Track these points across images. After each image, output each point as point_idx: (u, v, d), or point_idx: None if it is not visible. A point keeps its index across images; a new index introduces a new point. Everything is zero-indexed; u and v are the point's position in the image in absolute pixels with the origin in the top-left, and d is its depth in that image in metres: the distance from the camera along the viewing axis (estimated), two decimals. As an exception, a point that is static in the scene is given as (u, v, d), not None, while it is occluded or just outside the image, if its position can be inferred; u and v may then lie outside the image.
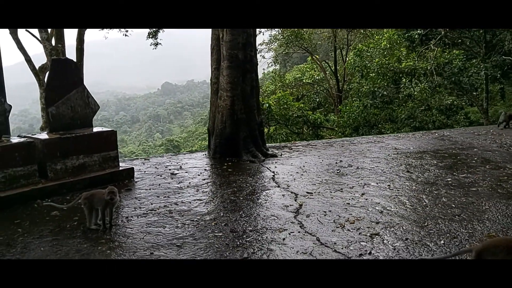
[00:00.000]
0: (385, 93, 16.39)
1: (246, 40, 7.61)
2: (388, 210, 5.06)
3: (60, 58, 6.26)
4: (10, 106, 5.72)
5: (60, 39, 14.24)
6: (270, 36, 24.43)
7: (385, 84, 16.88)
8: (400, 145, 9.02)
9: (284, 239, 4.26)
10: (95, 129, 6.45)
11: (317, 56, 25.68)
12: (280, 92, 23.40)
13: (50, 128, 6.14)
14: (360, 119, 17.04)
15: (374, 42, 18.51)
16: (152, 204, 5.38)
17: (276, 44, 24.97)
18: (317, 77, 25.15)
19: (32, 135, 5.97)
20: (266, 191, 5.88)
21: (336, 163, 7.50)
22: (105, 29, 19.89)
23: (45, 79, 12.87)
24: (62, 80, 6.14)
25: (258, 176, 6.64)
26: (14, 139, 5.61)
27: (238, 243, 4.18)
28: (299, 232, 4.43)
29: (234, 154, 7.64)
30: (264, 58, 25.43)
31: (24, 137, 5.85)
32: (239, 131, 7.70)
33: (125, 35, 20.66)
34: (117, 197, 4.54)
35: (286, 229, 4.50)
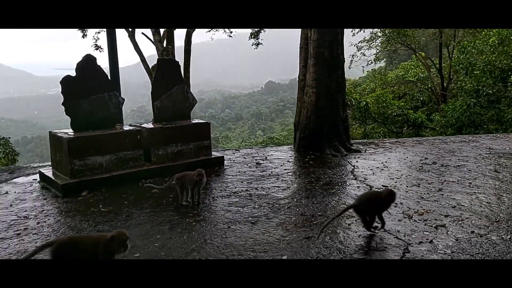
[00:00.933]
0: (490, 91, 15.30)
1: (333, 39, 7.91)
2: (461, 205, 5.07)
3: (165, 58, 7.17)
4: (123, 99, 6.76)
5: (171, 41, 15.74)
6: (371, 33, 24.02)
7: (491, 82, 15.74)
8: (495, 145, 8.60)
9: (349, 224, 4.57)
10: (192, 121, 7.28)
11: (422, 54, 24.62)
12: (379, 90, 22.96)
13: (154, 119, 7.09)
14: (463, 118, 16.11)
15: (481, 38, 17.31)
16: (235, 188, 6.00)
17: (377, 41, 24.44)
18: (422, 75, 24.13)
19: (140, 124, 6.96)
20: (342, 183, 6.17)
21: (420, 160, 7.48)
22: (211, 31, 21.30)
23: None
24: (166, 78, 7.05)
25: (337, 169, 6.93)
26: (126, 127, 6.63)
27: (306, 224, 4.59)
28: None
29: (317, 148, 8.00)
30: (364, 55, 25.04)
31: (134, 126, 6.86)
32: (323, 126, 8.03)
33: (229, 35, 21.87)
34: (204, 178, 5.22)
35: (354, 216, 4.78)
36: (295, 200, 5.42)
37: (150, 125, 6.88)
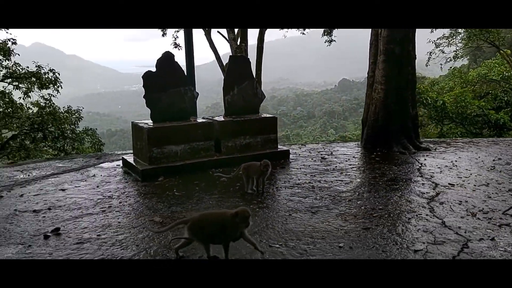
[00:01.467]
0: None
1: (404, 35, 7.84)
2: (532, 206, 4.89)
3: (236, 55, 7.58)
4: (198, 94, 7.25)
5: (244, 39, 16.26)
6: (450, 30, 22.91)
7: None
8: None
9: (409, 218, 4.62)
10: (260, 116, 7.61)
11: (508, 51, 23.04)
12: (458, 89, 21.86)
13: (225, 113, 7.51)
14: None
15: None
16: (299, 180, 6.23)
17: (458, 38, 23.27)
18: (506, 74, 22.59)
19: (212, 117, 7.41)
20: (407, 180, 6.15)
21: (493, 160, 7.20)
22: (284, 29, 21.60)
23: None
24: (237, 73, 7.45)
25: (403, 166, 6.90)
26: (199, 120, 7.11)
27: (366, 216, 4.71)
28: (427, 215, 4.72)
29: (385, 145, 7.97)
30: (443, 53, 23.98)
31: (206, 118, 7.32)
32: (391, 123, 7.99)
33: (302, 33, 22.01)
34: (269, 169, 5.51)
35: (415, 212, 4.82)
36: (357, 193, 5.53)
37: (221, 118, 7.31)
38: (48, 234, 4.33)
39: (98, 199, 5.50)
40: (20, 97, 18.19)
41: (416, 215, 4.70)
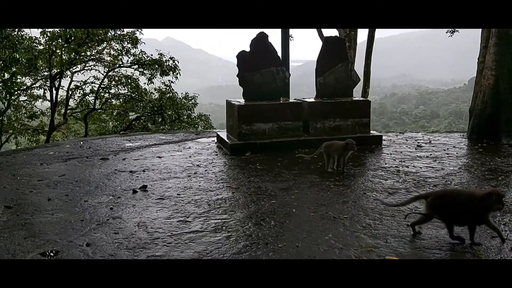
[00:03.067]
0: None
1: (523, 15, 6.99)
2: None
3: (331, 37, 7.46)
4: (289, 74, 7.36)
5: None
6: None
7: None
8: None
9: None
10: (352, 99, 7.46)
11: None
12: None
13: (316, 94, 7.50)
14: None
15: None
16: (385, 164, 6.00)
17: None
18: None
19: (304, 99, 7.46)
20: (509, 172, 5.55)
21: None
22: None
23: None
24: (331, 55, 7.38)
25: (509, 158, 6.21)
26: (284, 100, 7.23)
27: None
28: None
29: (492, 137, 7.24)
30: None
31: (297, 99, 7.41)
32: (501, 112, 7.21)
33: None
34: (352, 148, 5.42)
35: (505, 206, 4.36)
36: (445, 180, 5.16)
37: (311, 100, 7.32)
38: (137, 190, 4.84)
39: (187, 166, 5.95)
40: (144, 83, 20.12)
41: (505, 210, 4.25)
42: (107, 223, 3.86)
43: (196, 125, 20.13)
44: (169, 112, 19.38)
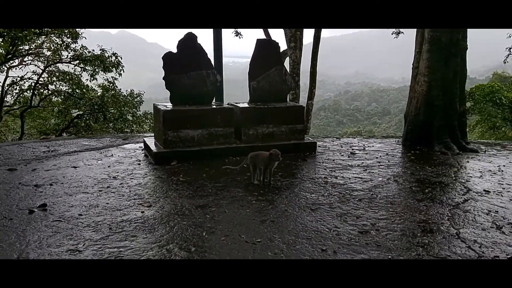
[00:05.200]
0: None
1: (455, 22, 6.96)
2: None
3: (264, 39, 7.15)
4: (221, 78, 6.99)
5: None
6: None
7: None
8: None
9: (420, 225, 4.03)
10: (287, 104, 7.18)
11: None
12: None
13: (250, 100, 7.18)
14: None
15: None
16: (315, 174, 5.76)
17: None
18: None
19: (236, 104, 7.11)
20: (437, 182, 5.45)
21: (553, 168, 6.21)
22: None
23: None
24: (264, 59, 7.06)
25: (439, 167, 6.15)
26: (218, 105, 6.85)
27: (369, 219, 4.19)
28: (442, 223, 4.10)
29: (425, 143, 7.20)
30: (527, 48, 21.61)
31: (229, 104, 7.04)
32: (434, 119, 7.18)
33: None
34: (278, 160, 5.12)
35: (429, 219, 4.21)
36: (371, 193, 4.97)
37: (244, 105, 6.99)
38: (34, 209, 4.31)
39: (102, 178, 5.45)
40: (87, 79, 19.14)
41: (429, 222, 4.10)
42: (-17, 254, 3.35)
43: (142, 124, 19.42)
44: (112, 110, 18.56)
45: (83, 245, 3.52)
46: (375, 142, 8.08)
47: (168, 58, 6.55)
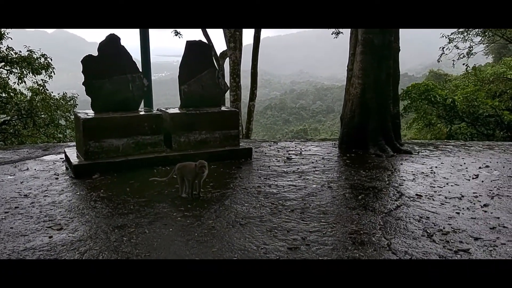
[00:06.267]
0: None
1: (387, 23, 6.95)
2: (503, 227, 4.07)
3: (194, 40, 6.78)
4: (148, 82, 6.55)
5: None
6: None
7: None
8: None
9: (351, 237, 3.86)
10: (220, 109, 6.87)
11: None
12: (471, 87, 20.65)
13: (181, 104, 6.80)
14: None
15: None
16: (248, 183, 5.49)
17: (472, 33, 21.95)
18: (525, 73, 21.20)
19: (166, 109, 6.70)
20: (370, 188, 5.35)
21: (479, 167, 6.33)
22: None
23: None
24: (195, 61, 6.70)
25: (373, 171, 6.08)
26: (146, 111, 6.41)
27: (300, 232, 3.96)
28: (373, 233, 3.95)
29: (361, 146, 7.16)
30: (458, 48, 22.71)
31: (158, 110, 6.62)
32: (369, 121, 7.15)
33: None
34: (206, 171, 4.79)
35: (361, 228, 4.05)
36: (304, 202, 4.77)
37: (174, 110, 6.59)
38: None
39: (11, 197, 4.88)
40: (15, 82, 17.83)
41: (361, 233, 3.94)
42: None
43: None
44: (43, 115, 17.41)
45: (-31, 284, 3.01)
46: (312, 145, 7.96)
47: (88, 61, 6.02)
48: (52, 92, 18.44)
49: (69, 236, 3.85)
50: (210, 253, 3.54)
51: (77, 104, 19.20)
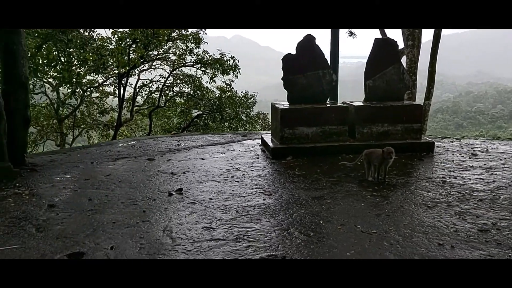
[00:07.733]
0: None
1: None
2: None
3: (381, 38, 7.11)
4: (336, 77, 7.18)
5: (418, 26, 15.06)
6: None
7: None
8: None
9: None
10: (403, 103, 7.12)
11: None
12: None
13: (365, 98, 7.25)
14: None
15: None
16: (432, 173, 5.68)
17: None
18: None
19: (351, 102, 7.24)
20: None
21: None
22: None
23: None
24: (381, 57, 7.09)
25: None
26: (332, 104, 7.05)
27: (490, 218, 4.08)
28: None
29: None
30: None
31: (344, 103, 7.21)
32: None
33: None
34: (392, 157, 5.19)
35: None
36: (493, 194, 4.78)
37: (359, 103, 7.08)
38: (172, 192, 4.98)
39: (226, 169, 6.02)
40: (207, 82, 20.62)
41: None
42: (136, 226, 4.01)
43: (254, 124, 20.35)
44: (228, 111, 19.74)
45: (216, 224, 4.02)
46: (500, 143, 7.59)
47: (287, 60, 6.94)
48: (236, 90, 20.74)
49: (278, 200, 4.69)
50: (402, 226, 3.95)
51: (256, 102, 21.22)
